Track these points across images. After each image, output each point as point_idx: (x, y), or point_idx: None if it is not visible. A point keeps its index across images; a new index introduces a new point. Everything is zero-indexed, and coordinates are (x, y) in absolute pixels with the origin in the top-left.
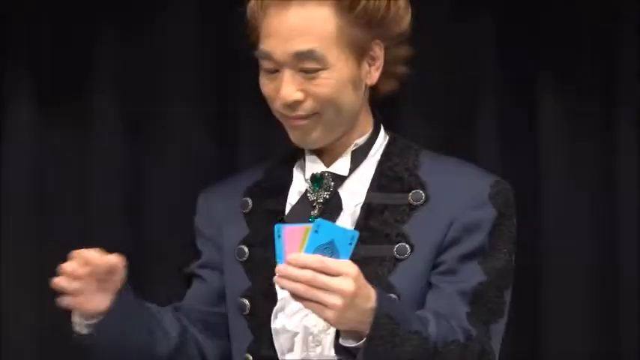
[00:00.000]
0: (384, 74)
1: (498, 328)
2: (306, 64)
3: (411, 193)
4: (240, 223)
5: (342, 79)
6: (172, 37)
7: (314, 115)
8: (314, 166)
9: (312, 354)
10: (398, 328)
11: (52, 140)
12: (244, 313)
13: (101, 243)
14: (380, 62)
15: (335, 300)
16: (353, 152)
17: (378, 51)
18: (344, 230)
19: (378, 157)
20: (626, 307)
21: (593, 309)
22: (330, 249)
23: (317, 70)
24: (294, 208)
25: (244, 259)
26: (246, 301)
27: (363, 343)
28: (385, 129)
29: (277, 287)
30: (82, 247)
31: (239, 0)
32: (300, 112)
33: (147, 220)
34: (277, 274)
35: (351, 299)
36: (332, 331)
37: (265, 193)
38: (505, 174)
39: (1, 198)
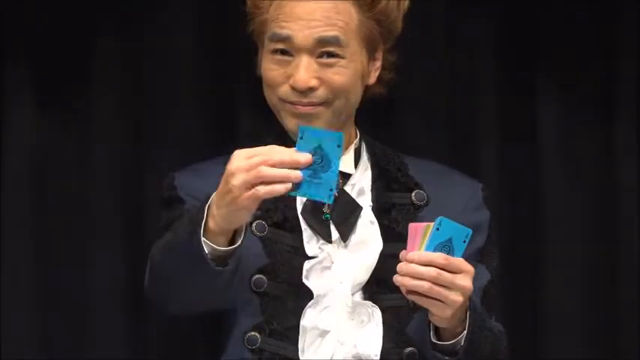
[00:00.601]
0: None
1: None
2: (327, 50)
3: (413, 194)
4: None
5: (356, 71)
6: (172, 36)
7: (324, 103)
8: None
9: (338, 353)
10: (484, 321)
11: (52, 140)
12: (259, 290)
13: (101, 243)
14: (379, 64)
15: (457, 297)
16: (355, 150)
17: (380, 52)
18: (461, 228)
19: (365, 156)
20: (626, 308)
21: (593, 309)
22: (447, 246)
23: (335, 57)
24: (306, 204)
25: (263, 234)
26: (264, 278)
27: (466, 336)
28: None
29: (307, 282)
30: (82, 247)
31: (238, 0)
32: (313, 99)
33: (147, 220)
34: (399, 272)
35: (467, 297)
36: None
37: None
38: (505, 174)
39: (1, 198)
